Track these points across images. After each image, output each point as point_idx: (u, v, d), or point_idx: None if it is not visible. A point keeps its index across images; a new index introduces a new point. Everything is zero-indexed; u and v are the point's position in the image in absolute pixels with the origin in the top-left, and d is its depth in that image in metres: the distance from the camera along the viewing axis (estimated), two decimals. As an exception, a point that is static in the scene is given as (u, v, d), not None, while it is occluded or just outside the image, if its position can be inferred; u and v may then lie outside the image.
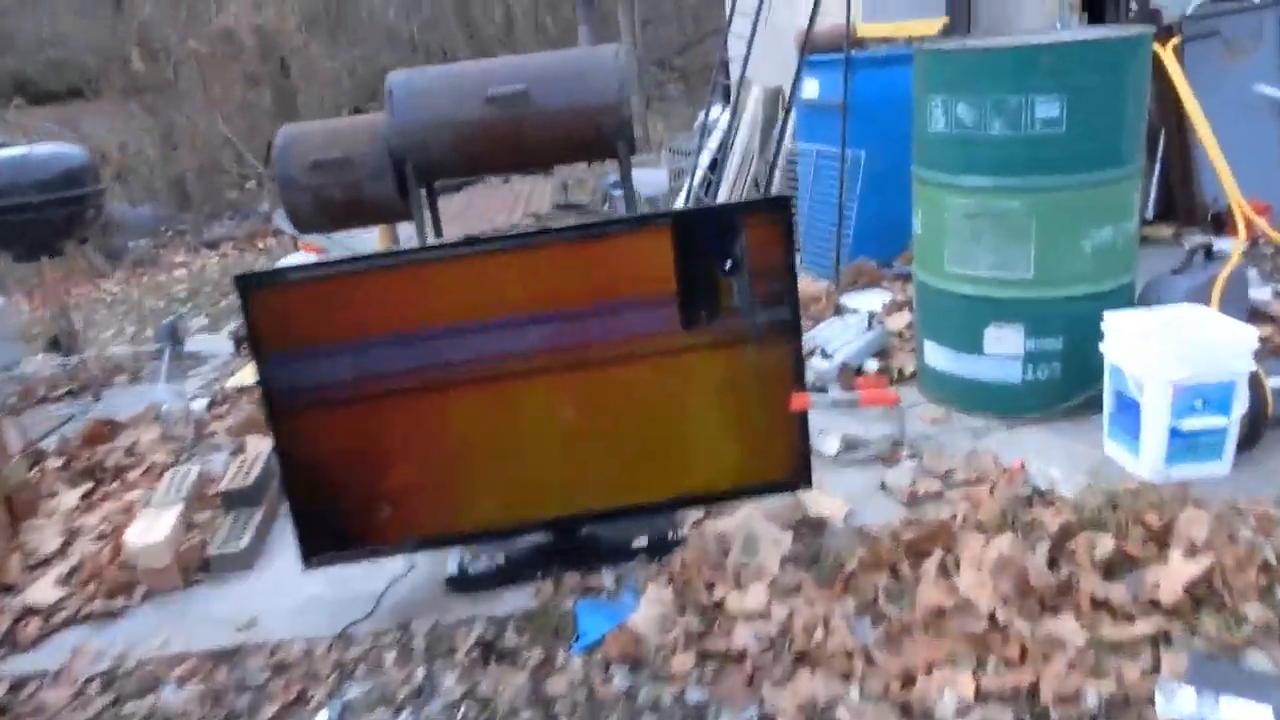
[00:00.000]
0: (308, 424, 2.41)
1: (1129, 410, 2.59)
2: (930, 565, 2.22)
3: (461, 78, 4.14)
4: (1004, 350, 2.93)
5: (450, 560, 2.54)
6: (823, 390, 2.65)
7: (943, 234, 2.96)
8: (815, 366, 3.48)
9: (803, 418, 2.48)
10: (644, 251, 2.39)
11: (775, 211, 2.39)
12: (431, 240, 4.84)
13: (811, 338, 3.63)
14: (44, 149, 4.20)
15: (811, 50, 4.29)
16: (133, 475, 3.27)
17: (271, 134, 4.50)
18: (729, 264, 2.39)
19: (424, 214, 4.28)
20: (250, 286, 2.33)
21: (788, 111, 4.45)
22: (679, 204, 7.45)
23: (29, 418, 4.10)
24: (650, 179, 9.68)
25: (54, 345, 4.83)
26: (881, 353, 3.51)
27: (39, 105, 11.77)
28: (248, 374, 4.20)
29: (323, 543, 2.48)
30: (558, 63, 4.19)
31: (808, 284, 4.22)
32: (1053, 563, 2.20)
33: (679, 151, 9.89)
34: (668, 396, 2.47)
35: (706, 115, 7.19)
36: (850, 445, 2.91)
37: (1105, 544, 2.21)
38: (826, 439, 2.90)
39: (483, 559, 2.54)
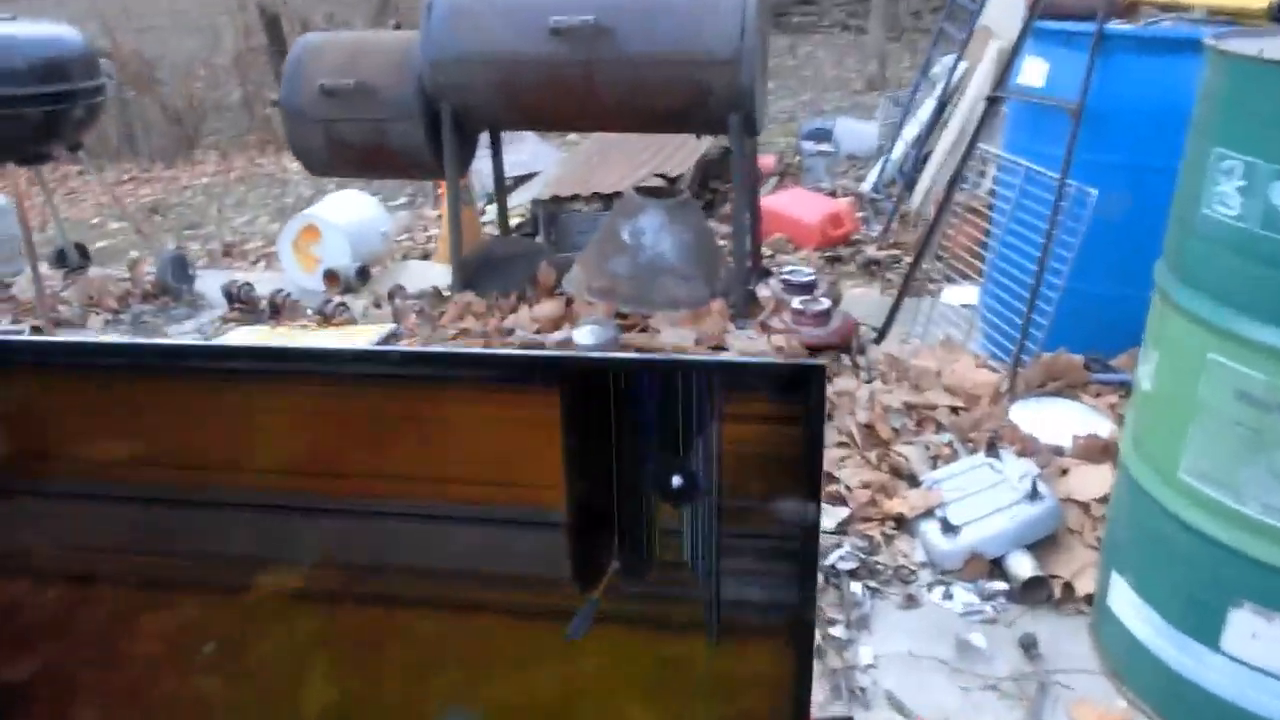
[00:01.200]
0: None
1: None
2: None
3: (522, -2, 2.94)
4: (1266, 659, 1.52)
5: None
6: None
7: (1189, 412, 1.55)
8: (928, 542, 2.15)
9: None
10: (512, 424, 1.17)
11: (794, 393, 1.09)
12: (478, 212, 3.75)
13: (936, 481, 2.29)
14: (25, 30, 3.37)
15: (1048, 10, 2.77)
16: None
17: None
18: (679, 481, 1.12)
19: (458, 173, 3.16)
20: None
21: (993, 100, 2.96)
22: (869, 184, 5.97)
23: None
24: (856, 132, 8.10)
25: (60, 259, 4.13)
26: (1047, 541, 2.12)
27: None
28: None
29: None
30: (659, -10, 2.90)
31: (969, 370, 2.82)
32: None
33: (900, 103, 8.23)
34: (542, 695, 1.27)
35: (923, 74, 5.64)
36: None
37: None
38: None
39: None
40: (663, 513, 1.14)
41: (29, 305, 3.75)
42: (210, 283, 3.91)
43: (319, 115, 3.19)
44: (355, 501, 1.17)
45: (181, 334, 3.58)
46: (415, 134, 3.15)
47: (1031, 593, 2.03)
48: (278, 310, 3.53)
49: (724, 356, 1.12)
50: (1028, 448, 2.40)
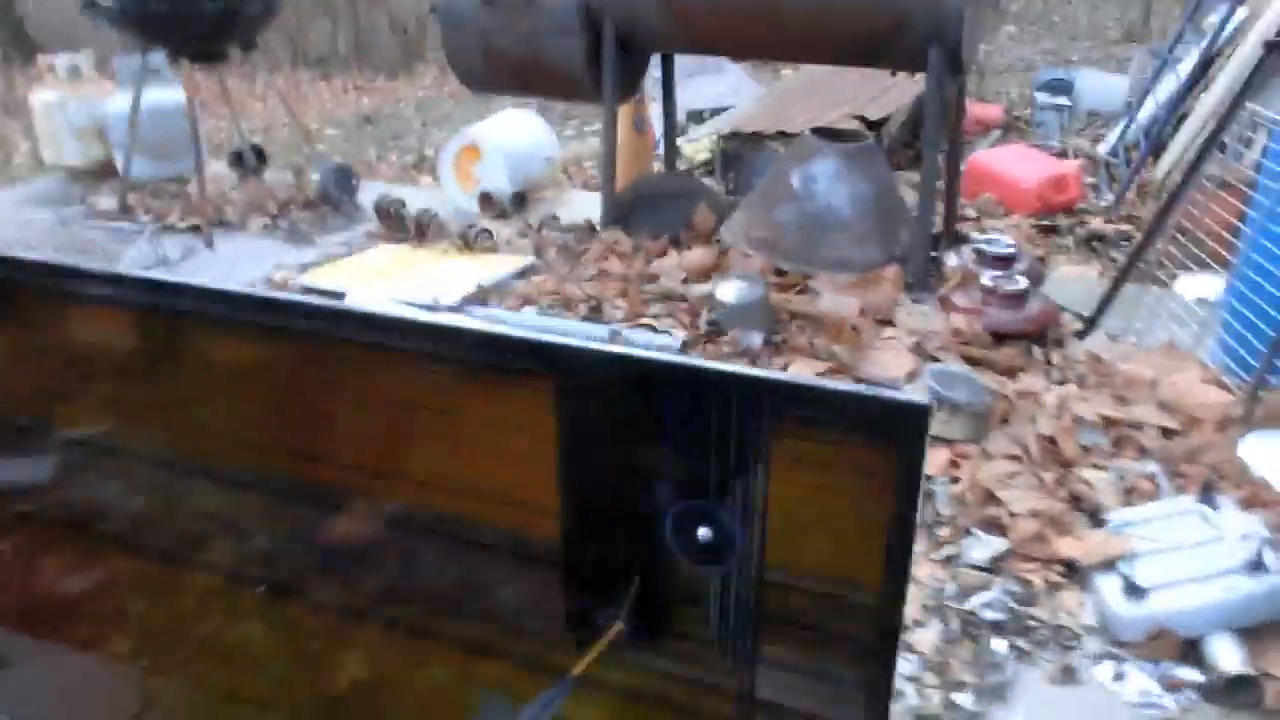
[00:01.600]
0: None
1: None
2: None
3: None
4: None
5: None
6: None
7: None
8: (1104, 603, 1.70)
9: None
10: (497, 422, 0.87)
11: (880, 440, 0.72)
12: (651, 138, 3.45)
13: (1126, 523, 1.82)
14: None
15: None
16: None
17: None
18: (708, 534, 0.79)
19: (615, 97, 2.86)
20: None
21: (1273, 47, 2.33)
22: (1107, 145, 5.24)
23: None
24: (1102, 86, 7.18)
25: (238, 160, 4.14)
26: (1268, 627, 1.63)
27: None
28: (338, 271, 3.18)
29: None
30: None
31: (1194, 384, 2.27)
32: None
33: (1160, 55, 7.23)
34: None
35: (1189, 21, 4.84)
36: None
37: None
38: None
39: None
40: (686, 572, 0.84)
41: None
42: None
43: (477, 26, 2.96)
44: (283, 479, 0.91)
45: (330, 244, 3.49)
46: (574, 51, 2.86)
47: (1235, 693, 1.56)
48: (423, 230, 3.38)
49: (787, 376, 0.77)
50: (1258, 498, 1.88)
